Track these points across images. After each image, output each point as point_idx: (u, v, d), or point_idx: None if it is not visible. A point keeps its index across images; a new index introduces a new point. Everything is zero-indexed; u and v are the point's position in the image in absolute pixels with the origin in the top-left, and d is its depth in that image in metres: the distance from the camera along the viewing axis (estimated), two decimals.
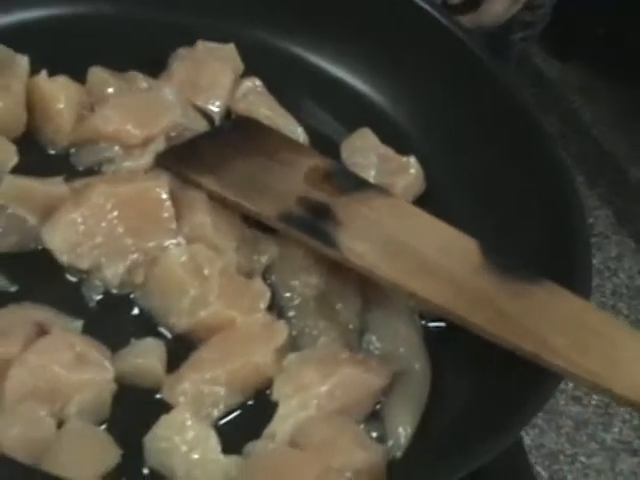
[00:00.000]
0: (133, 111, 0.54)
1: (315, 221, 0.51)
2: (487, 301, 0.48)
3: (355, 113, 0.62)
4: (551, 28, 0.90)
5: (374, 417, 0.49)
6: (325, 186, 0.53)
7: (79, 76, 0.56)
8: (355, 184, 0.54)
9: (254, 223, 0.53)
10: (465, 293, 0.49)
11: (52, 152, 0.54)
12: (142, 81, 0.57)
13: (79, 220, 0.49)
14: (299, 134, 0.59)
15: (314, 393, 0.47)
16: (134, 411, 0.46)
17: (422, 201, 0.58)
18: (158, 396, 0.47)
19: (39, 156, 0.54)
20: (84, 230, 0.49)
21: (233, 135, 0.57)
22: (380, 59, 0.62)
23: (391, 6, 0.61)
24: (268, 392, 0.48)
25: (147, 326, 0.49)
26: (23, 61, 0.54)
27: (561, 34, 0.94)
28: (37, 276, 0.49)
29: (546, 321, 0.47)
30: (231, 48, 0.60)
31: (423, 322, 0.53)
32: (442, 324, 0.53)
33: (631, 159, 1.76)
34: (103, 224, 0.50)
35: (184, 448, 0.44)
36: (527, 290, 0.49)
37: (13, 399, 0.43)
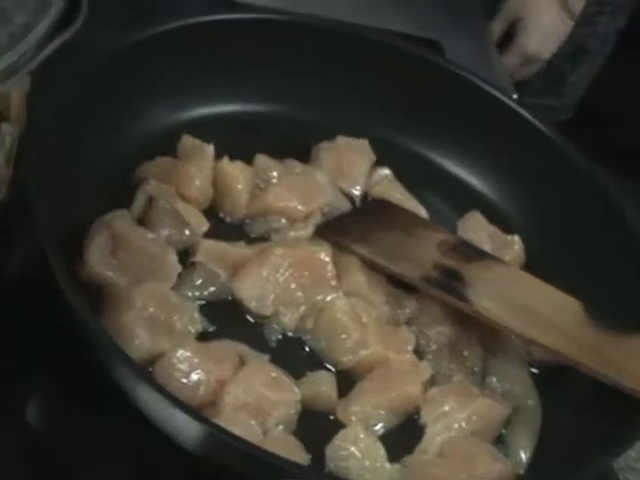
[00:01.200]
0: (297, 191, 0.67)
1: (449, 281, 0.64)
2: (592, 347, 0.60)
3: (464, 200, 0.74)
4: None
5: (499, 442, 0.61)
6: (454, 255, 0.66)
7: (246, 160, 0.69)
8: (477, 254, 0.67)
9: (397, 283, 0.65)
10: (574, 341, 0.60)
11: (230, 222, 0.67)
12: (297, 167, 0.70)
13: (262, 276, 0.62)
14: (424, 215, 0.71)
15: (455, 418, 0.59)
16: (313, 427, 0.58)
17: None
18: (331, 417, 0.59)
19: (220, 225, 0.66)
20: (266, 284, 0.62)
21: (373, 213, 0.69)
22: (487, 158, 0.75)
23: (500, 118, 0.74)
24: (416, 417, 0.60)
25: (317, 363, 0.61)
26: (210, 149, 0.67)
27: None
28: (229, 320, 0.61)
29: None
30: (365, 142, 0.73)
31: (532, 369, 0.65)
32: (547, 371, 0.65)
33: None
34: (281, 280, 0.62)
35: (358, 455, 0.56)
36: (626, 340, 0.60)
37: (231, 410, 0.54)
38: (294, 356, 0.61)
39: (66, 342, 0.56)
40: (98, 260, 0.59)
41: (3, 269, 0.62)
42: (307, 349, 0.62)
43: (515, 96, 0.89)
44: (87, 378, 0.56)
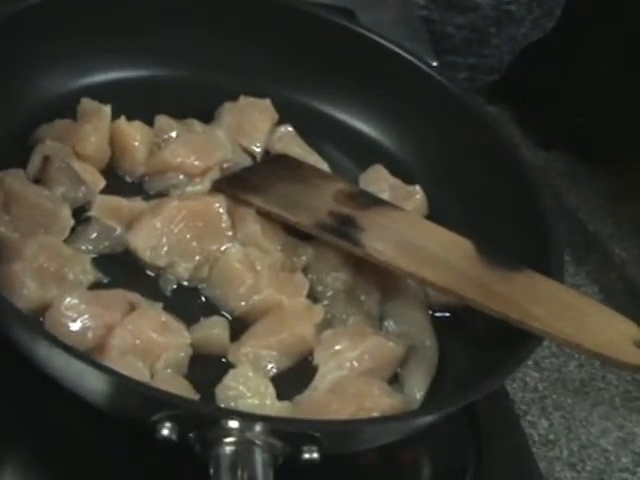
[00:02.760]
0: (194, 147, 0.68)
1: (343, 228, 0.64)
2: (481, 283, 0.61)
3: (367, 154, 0.75)
4: (535, 118, 1.03)
5: (393, 382, 0.62)
6: (350, 203, 0.67)
7: (148, 123, 0.70)
8: (374, 201, 0.68)
9: (293, 231, 0.66)
10: (464, 278, 0.61)
11: (129, 180, 0.68)
12: (198, 126, 0.71)
13: (157, 227, 0.63)
14: (325, 168, 0.72)
15: (347, 357, 0.60)
16: (205, 370, 0.58)
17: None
18: (223, 360, 0.59)
19: (119, 183, 0.67)
20: (160, 235, 0.63)
21: (273, 167, 0.70)
22: (389, 111, 0.76)
23: (399, 72, 0.76)
24: (310, 359, 0.61)
25: (212, 310, 0.62)
26: (107, 109, 0.68)
27: (544, 123, 1.06)
28: (124, 271, 0.62)
29: (528, 297, 0.60)
30: (268, 102, 0.74)
31: (431, 312, 0.66)
32: (446, 314, 0.66)
33: (615, 239, 1.88)
34: (175, 231, 0.63)
35: (248, 395, 0.57)
36: (513, 275, 0.61)
37: (118, 353, 0.55)
38: (189, 305, 0.62)
39: None
40: None
41: None
42: (203, 298, 0.62)
43: (435, 64, 0.91)
44: None
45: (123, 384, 0.51)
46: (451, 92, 0.74)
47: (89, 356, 0.54)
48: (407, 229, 0.65)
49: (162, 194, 0.67)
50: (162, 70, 0.74)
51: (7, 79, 0.66)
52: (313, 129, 0.75)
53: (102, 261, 0.62)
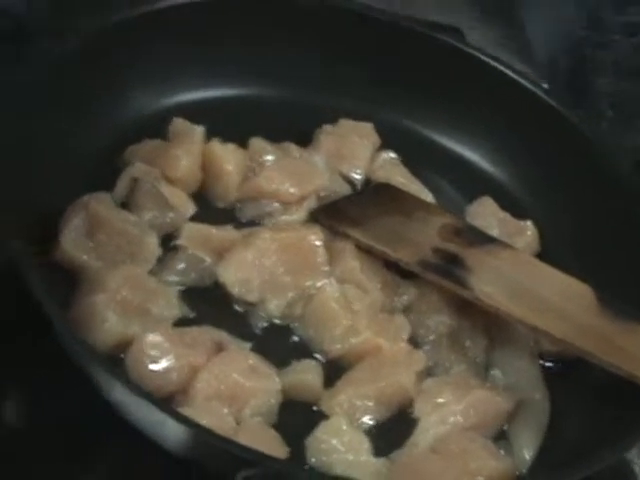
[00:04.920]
0: (290, 174, 0.64)
1: (449, 267, 0.59)
2: (601, 335, 0.55)
3: (474, 185, 0.70)
4: None
5: (501, 438, 0.56)
6: (456, 239, 0.61)
7: (242, 145, 0.66)
8: (482, 239, 0.62)
9: (395, 269, 0.61)
10: (582, 328, 0.56)
11: (220, 206, 0.64)
12: (294, 150, 0.67)
13: (248, 260, 0.58)
14: (429, 199, 0.67)
15: (451, 410, 0.54)
16: (296, 419, 0.54)
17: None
18: (315, 408, 0.55)
19: (210, 209, 0.63)
20: (251, 268, 0.58)
21: (374, 197, 0.65)
22: (498, 138, 0.71)
23: (513, 99, 0.70)
24: (409, 410, 0.56)
25: (304, 352, 0.57)
26: (199, 130, 0.64)
27: None
28: (211, 306, 0.58)
29: None
30: (369, 125, 0.70)
31: (542, 362, 0.60)
32: (558, 364, 0.60)
33: None
34: (267, 264, 0.58)
35: (341, 449, 0.52)
36: (637, 328, 0.55)
37: (202, 397, 0.51)
38: (280, 345, 0.57)
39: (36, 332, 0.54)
40: (72, 242, 0.56)
41: None
42: (295, 338, 0.58)
43: (545, 86, 0.85)
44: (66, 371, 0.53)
45: (207, 439, 0.46)
46: (566, 119, 0.69)
47: (170, 402, 0.50)
48: (519, 271, 0.60)
49: (255, 222, 0.63)
50: (258, 89, 0.70)
51: (98, 96, 0.63)
52: (417, 156, 0.70)
53: (189, 294, 0.58)
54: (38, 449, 0.53)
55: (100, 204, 0.58)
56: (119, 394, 0.48)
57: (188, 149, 0.63)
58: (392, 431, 0.54)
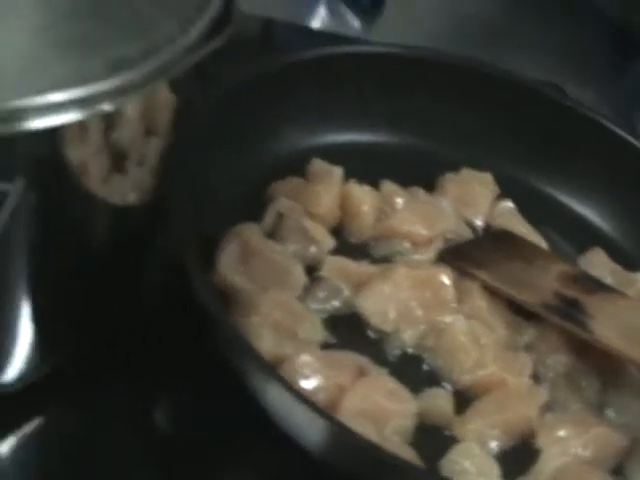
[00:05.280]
0: (420, 217, 0.69)
1: (569, 310, 0.64)
2: None
3: (585, 237, 0.75)
4: None
5: (618, 473, 0.60)
6: (574, 286, 0.66)
7: (375, 187, 0.71)
8: (599, 286, 0.67)
9: (517, 310, 0.66)
10: None
11: (355, 242, 0.69)
12: (422, 195, 0.72)
13: (385, 293, 0.63)
14: (544, 247, 0.72)
15: (572, 444, 0.59)
16: (429, 441, 0.58)
17: None
18: (446, 432, 0.59)
19: (345, 244, 0.68)
20: (388, 301, 0.63)
21: (495, 243, 0.70)
22: (608, 193, 0.75)
23: (623, 158, 0.75)
24: (532, 441, 0.60)
25: (433, 380, 0.62)
26: (338, 172, 0.69)
27: None
28: (350, 333, 0.63)
29: None
30: (488, 175, 0.75)
31: None
32: None
33: None
34: (402, 298, 0.64)
35: (473, 471, 0.56)
36: None
37: (349, 416, 0.56)
38: (412, 372, 0.62)
39: (195, 345, 0.59)
40: (228, 267, 0.61)
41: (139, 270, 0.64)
42: (425, 367, 0.63)
43: None
44: (214, 380, 0.58)
45: (361, 444, 0.51)
46: None
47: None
48: (635, 317, 0.64)
49: (387, 259, 0.68)
50: (387, 136, 0.76)
51: (248, 136, 0.68)
52: (530, 206, 0.75)
53: (329, 321, 0.63)
54: (188, 456, 0.58)
55: (251, 234, 0.64)
56: (279, 400, 0.53)
57: (328, 188, 0.68)
58: (516, 459, 0.59)
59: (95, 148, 0.49)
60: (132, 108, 0.49)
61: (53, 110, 0.44)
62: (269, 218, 0.66)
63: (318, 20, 0.98)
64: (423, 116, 0.76)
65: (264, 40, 0.87)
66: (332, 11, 1.00)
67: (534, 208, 0.75)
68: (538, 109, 0.77)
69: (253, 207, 0.67)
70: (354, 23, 0.98)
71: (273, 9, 0.92)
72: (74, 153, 0.48)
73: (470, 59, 0.79)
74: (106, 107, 0.46)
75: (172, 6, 0.51)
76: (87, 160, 0.50)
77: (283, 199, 0.67)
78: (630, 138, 0.75)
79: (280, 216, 0.66)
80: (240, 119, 0.67)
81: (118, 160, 0.51)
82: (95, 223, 0.53)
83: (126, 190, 0.53)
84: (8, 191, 0.49)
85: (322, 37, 0.92)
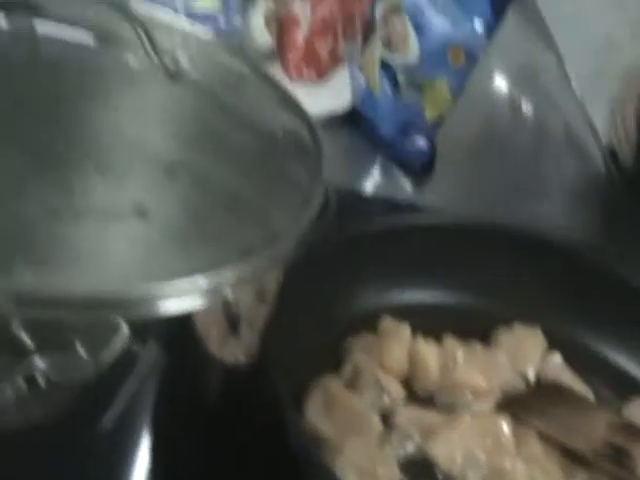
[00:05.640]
0: (480, 369, 0.77)
1: (618, 457, 0.72)
2: None
3: (627, 387, 0.83)
4: None
5: None
6: (621, 434, 0.74)
7: (438, 340, 0.80)
8: None
9: (569, 455, 0.73)
10: None
11: (422, 392, 0.77)
12: (480, 349, 0.81)
13: (453, 439, 0.71)
14: (591, 398, 0.80)
15: None
16: None
17: None
18: None
19: (414, 394, 0.77)
20: (455, 447, 0.71)
21: (548, 393, 0.79)
22: None
23: None
24: None
25: None
26: (406, 329, 0.79)
27: None
28: (423, 475, 0.71)
29: None
30: (538, 330, 0.83)
31: None
32: None
33: None
34: (467, 444, 0.71)
35: None
36: None
37: None
38: None
39: None
40: (315, 415, 0.70)
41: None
42: None
43: None
44: None
45: None
46: None
47: None
48: None
49: (451, 408, 0.76)
50: (447, 295, 0.85)
51: (331, 296, 0.78)
52: (577, 358, 0.83)
53: (404, 464, 0.71)
54: None
55: (333, 385, 0.73)
56: None
57: (398, 344, 0.77)
58: None
59: (217, 319, 0.59)
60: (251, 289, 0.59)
61: (188, 295, 0.53)
62: (347, 371, 0.75)
63: (372, 184, 1.09)
64: (478, 277, 0.85)
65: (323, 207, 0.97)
66: (385, 174, 1.10)
67: (580, 360, 0.84)
68: (583, 270, 0.86)
69: (334, 359, 0.76)
70: (406, 186, 1.09)
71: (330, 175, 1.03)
72: (200, 324, 0.58)
73: (518, 225, 0.89)
74: (230, 294, 0.55)
75: (283, 198, 0.61)
76: (210, 327, 0.59)
77: (359, 354, 0.76)
78: None
79: (357, 369, 0.75)
80: (324, 283, 0.76)
81: (234, 326, 0.60)
82: (209, 381, 0.62)
83: (239, 351, 0.62)
84: (140, 353, 0.58)
85: (377, 204, 1.02)
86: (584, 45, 2.89)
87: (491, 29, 1.02)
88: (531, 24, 1.65)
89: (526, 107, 1.41)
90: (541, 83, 1.49)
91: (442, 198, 1.08)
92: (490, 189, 1.15)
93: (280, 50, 1.15)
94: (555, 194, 1.19)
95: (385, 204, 1.03)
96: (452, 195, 1.09)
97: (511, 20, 1.68)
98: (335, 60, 1.15)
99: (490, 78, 1.43)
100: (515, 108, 1.41)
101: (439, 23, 1.03)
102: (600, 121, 1.37)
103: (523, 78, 1.49)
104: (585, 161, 1.28)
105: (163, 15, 0.70)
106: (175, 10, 0.96)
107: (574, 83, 1.53)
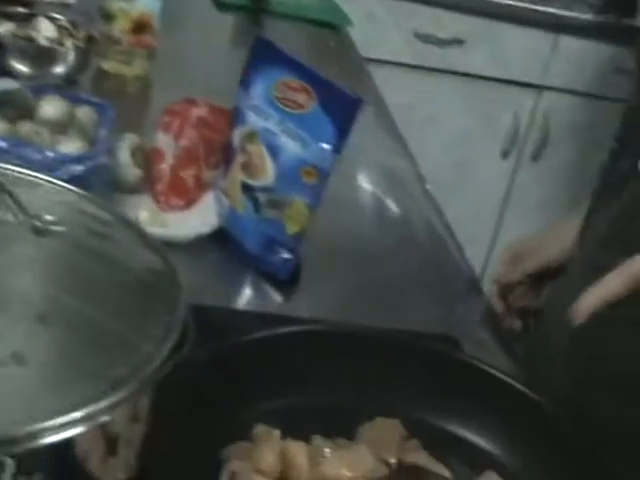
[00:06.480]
0: (345, 461, 0.86)
1: None
2: None
3: (480, 462, 0.92)
4: None
5: None
6: None
7: (307, 440, 0.88)
8: None
9: None
10: None
11: None
12: (345, 443, 0.89)
13: None
14: (447, 475, 0.89)
15: None
16: None
17: None
18: None
19: None
20: None
21: (407, 476, 0.87)
22: (497, 426, 0.94)
23: (510, 400, 0.94)
24: None
25: None
26: (277, 433, 0.87)
27: None
28: None
29: None
30: (397, 421, 0.93)
31: None
32: None
33: None
34: None
35: None
36: None
37: None
38: None
39: None
40: None
41: None
42: None
43: None
44: None
45: None
46: (544, 412, 0.93)
47: None
48: None
49: None
50: (316, 398, 0.94)
51: (207, 410, 0.85)
52: (433, 441, 0.93)
53: None
54: None
55: None
56: None
57: (270, 447, 0.85)
58: None
59: (95, 444, 0.66)
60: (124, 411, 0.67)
61: (67, 428, 0.61)
62: (225, 477, 0.83)
63: (244, 298, 1.18)
64: (342, 378, 0.95)
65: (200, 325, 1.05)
66: (255, 288, 1.20)
67: (437, 442, 0.93)
68: (435, 362, 0.96)
69: (210, 468, 0.84)
70: (276, 298, 1.18)
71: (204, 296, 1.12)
72: (81, 451, 0.65)
73: (375, 329, 1.00)
74: (105, 419, 0.63)
75: (148, 331, 0.69)
76: (90, 452, 0.66)
77: (235, 460, 0.84)
78: (518, 386, 0.95)
79: (233, 474, 0.83)
80: (199, 398, 0.84)
81: (112, 447, 0.68)
82: None
83: (119, 470, 0.70)
84: None
85: (249, 317, 1.11)
86: (440, 142, 3.09)
87: (339, 148, 1.14)
88: (387, 130, 1.79)
89: (390, 206, 1.54)
90: (401, 183, 1.62)
91: (310, 307, 1.17)
92: (356, 292, 1.26)
93: (149, 181, 1.24)
94: (418, 288, 1.30)
95: (256, 317, 1.13)
96: (320, 302, 1.19)
97: (370, 127, 1.83)
98: (200, 186, 1.25)
99: (354, 181, 1.56)
100: (379, 208, 1.53)
101: (291, 147, 1.15)
102: None
103: (384, 179, 1.63)
104: (445, 256, 1.41)
105: (27, 174, 0.79)
106: (42, 160, 1.04)
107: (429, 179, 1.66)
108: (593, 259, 1.12)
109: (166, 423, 0.79)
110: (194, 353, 0.87)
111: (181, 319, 0.70)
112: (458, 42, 2.72)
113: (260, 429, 0.87)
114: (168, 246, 1.13)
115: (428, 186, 1.59)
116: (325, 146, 1.13)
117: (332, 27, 2.05)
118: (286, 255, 1.19)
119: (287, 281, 1.19)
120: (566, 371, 1.12)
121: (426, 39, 2.70)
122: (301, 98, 1.15)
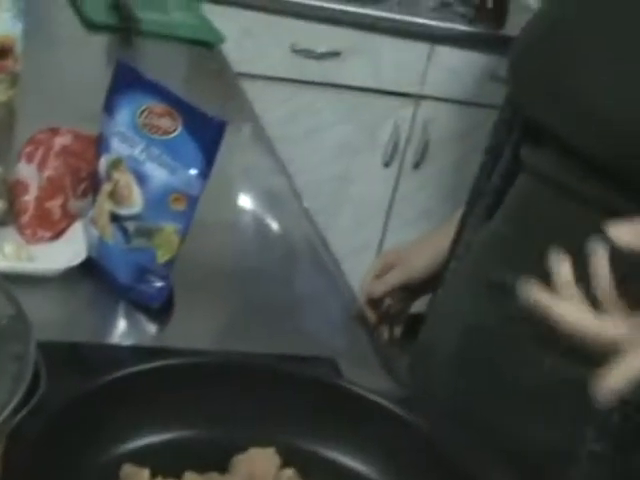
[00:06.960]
0: None
1: None
2: None
3: None
4: None
5: None
6: None
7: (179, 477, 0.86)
8: None
9: None
10: None
11: None
12: (218, 477, 0.88)
13: None
14: None
15: None
16: None
17: None
18: None
19: None
20: None
21: None
22: (373, 449, 0.94)
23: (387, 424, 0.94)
24: None
25: None
26: (146, 472, 0.85)
27: None
28: None
29: None
30: (272, 450, 0.91)
31: None
32: None
33: None
34: None
35: None
36: None
37: None
38: None
39: None
40: None
41: None
42: None
43: None
44: None
45: None
46: (419, 433, 0.93)
47: None
48: None
49: None
50: (187, 433, 0.92)
51: (73, 451, 0.83)
52: (308, 467, 0.92)
53: None
54: None
55: None
56: None
57: None
58: None
59: None
60: None
61: None
62: None
63: (116, 331, 1.15)
64: (215, 411, 0.93)
65: (72, 362, 1.02)
66: (128, 320, 1.17)
67: (313, 468, 0.92)
68: (306, 386, 0.96)
69: None
70: (150, 329, 1.16)
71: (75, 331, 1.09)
72: None
73: (250, 358, 0.98)
74: None
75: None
76: None
77: None
78: (392, 407, 0.95)
79: None
80: (64, 440, 0.82)
81: None
82: None
83: None
84: None
85: (122, 351, 1.08)
86: (322, 155, 3.10)
87: (206, 173, 1.12)
88: (264, 148, 1.78)
89: (270, 226, 1.53)
90: (279, 201, 1.61)
91: (187, 335, 1.16)
92: (234, 316, 1.24)
93: (13, 213, 1.21)
94: (297, 309, 1.29)
95: (129, 350, 1.10)
96: (196, 330, 1.17)
97: (246, 146, 1.82)
98: (67, 216, 1.22)
99: (232, 203, 1.54)
100: (258, 228, 1.52)
101: (158, 174, 1.13)
102: None
103: (263, 198, 1.61)
104: (324, 275, 1.40)
105: None
106: None
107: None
108: (479, 272, 1.12)
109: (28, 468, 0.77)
110: (58, 393, 0.86)
111: (31, 367, 0.68)
112: (335, 54, 2.73)
113: (128, 469, 0.85)
114: (36, 280, 1.12)
115: (305, 204, 1.59)
116: (192, 172, 1.12)
117: (205, 45, 2.04)
118: (158, 283, 1.16)
119: (161, 310, 1.17)
120: (452, 379, 1.13)
121: (304, 53, 2.70)
122: (166, 123, 1.13)
